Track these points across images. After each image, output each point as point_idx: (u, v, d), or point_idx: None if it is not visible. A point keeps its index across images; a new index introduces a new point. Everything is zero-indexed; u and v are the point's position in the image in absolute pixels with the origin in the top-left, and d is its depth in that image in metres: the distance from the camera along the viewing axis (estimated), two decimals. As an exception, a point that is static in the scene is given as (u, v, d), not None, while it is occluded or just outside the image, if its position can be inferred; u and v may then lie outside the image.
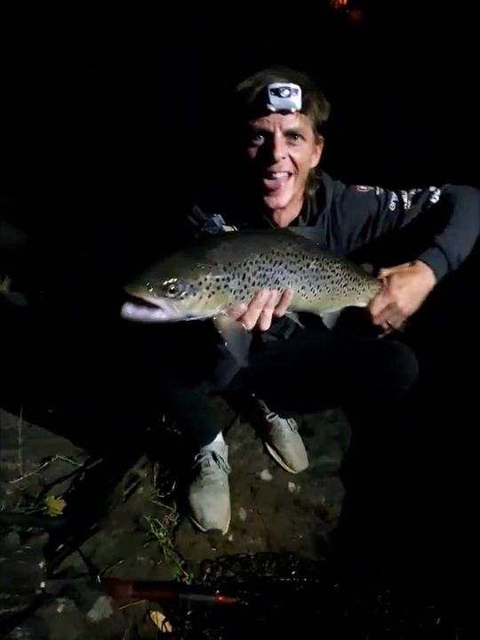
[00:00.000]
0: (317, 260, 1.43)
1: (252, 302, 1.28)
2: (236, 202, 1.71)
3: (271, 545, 2.04)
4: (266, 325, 1.32)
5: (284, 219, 1.76)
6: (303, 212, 1.80)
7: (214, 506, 1.97)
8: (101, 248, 3.58)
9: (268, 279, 1.31)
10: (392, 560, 2.02)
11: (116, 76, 4.53)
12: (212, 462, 2.06)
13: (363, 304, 1.60)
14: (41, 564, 1.60)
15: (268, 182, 1.60)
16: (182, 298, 1.15)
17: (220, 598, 1.64)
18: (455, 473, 2.35)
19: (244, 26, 4.77)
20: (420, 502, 2.28)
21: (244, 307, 1.27)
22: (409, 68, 4.58)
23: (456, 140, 3.72)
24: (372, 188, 1.82)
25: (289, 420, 2.37)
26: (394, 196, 1.79)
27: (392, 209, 1.77)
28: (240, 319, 1.28)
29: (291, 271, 1.36)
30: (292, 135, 1.57)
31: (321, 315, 1.59)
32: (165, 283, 1.12)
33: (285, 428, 2.34)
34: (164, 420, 2.28)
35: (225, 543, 1.97)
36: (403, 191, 1.81)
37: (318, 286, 1.45)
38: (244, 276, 1.25)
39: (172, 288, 1.12)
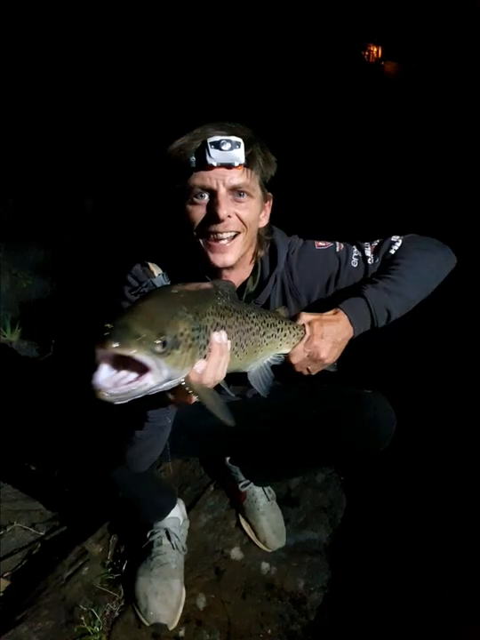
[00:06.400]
0: (239, 312, 1.26)
1: (211, 355, 1.07)
2: (181, 263, 1.55)
3: (231, 642, 1.76)
4: (221, 375, 1.13)
5: (234, 282, 1.58)
6: (254, 274, 1.64)
7: (162, 594, 1.73)
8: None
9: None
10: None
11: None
12: (164, 541, 1.83)
13: (286, 350, 1.49)
14: None
15: (213, 243, 1.44)
16: (169, 354, 0.92)
17: None
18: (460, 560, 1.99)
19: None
20: (421, 592, 1.93)
21: (203, 364, 1.06)
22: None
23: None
24: (331, 243, 1.65)
25: (266, 489, 2.11)
26: (355, 252, 1.63)
27: (354, 266, 1.62)
28: (199, 379, 1.06)
29: (229, 327, 1.19)
30: (237, 192, 1.41)
31: (246, 371, 1.42)
32: (155, 334, 0.89)
33: (261, 497, 2.08)
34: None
35: (173, 640, 1.70)
36: (366, 244, 1.66)
37: (245, 341, 1.29)
38: (207, 329, 1.07)
39: (163, 340, 0.90)
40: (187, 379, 1.03)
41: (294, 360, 1.49)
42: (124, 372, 0.90)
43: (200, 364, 1.04)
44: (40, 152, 4.32)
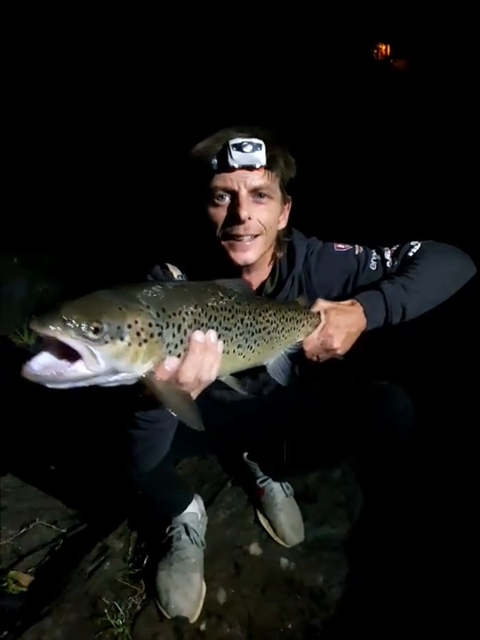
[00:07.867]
0: (250, 313, 1.25)
1: (189, 354, 1.04)
2: (201, 264, 1.57)
3: (252, 635, 1.77)
4: (208, 376, 1.08)
5: (253, 283, 1.63)
6: (272, 275, 1.67)
7: (182, 588, 1.75)
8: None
9: None
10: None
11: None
12: (183, 536, 1.85)
13: (302, 338, 1.50)
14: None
15: (234, 242, 1.46)
16: (107, 342, 0.89)
17: None
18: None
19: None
20: (440, 586, 1.92)
21: (175, 362, 1.02)
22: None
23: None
24: (351, 246, 1.67)
25: (284, 485, 2.13)
26: (374, 255, 1.65)
27: (373, 268, 1.63)
28: (172, 377, 1.02)
29: (226, 328, 1.18)
30: (257, 193, 1.43)
31: (265, 364, 1.43)
32: (87, 319, 0.87)
33: (279, 493, 2.09)
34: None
35: (194, 633, 1.73)
36: (386, 248, 1.67)
37: (255, 341, 1.28)
38: (180, 327, 1.04)
39: (95, 327, 0.88)
40: (150, 375, 1.00)
41: (307, 347, 1.49)
42: (63, 361, 0.88)
43: (171, 362, 1.01)
44: (57, 158, 4.38)
